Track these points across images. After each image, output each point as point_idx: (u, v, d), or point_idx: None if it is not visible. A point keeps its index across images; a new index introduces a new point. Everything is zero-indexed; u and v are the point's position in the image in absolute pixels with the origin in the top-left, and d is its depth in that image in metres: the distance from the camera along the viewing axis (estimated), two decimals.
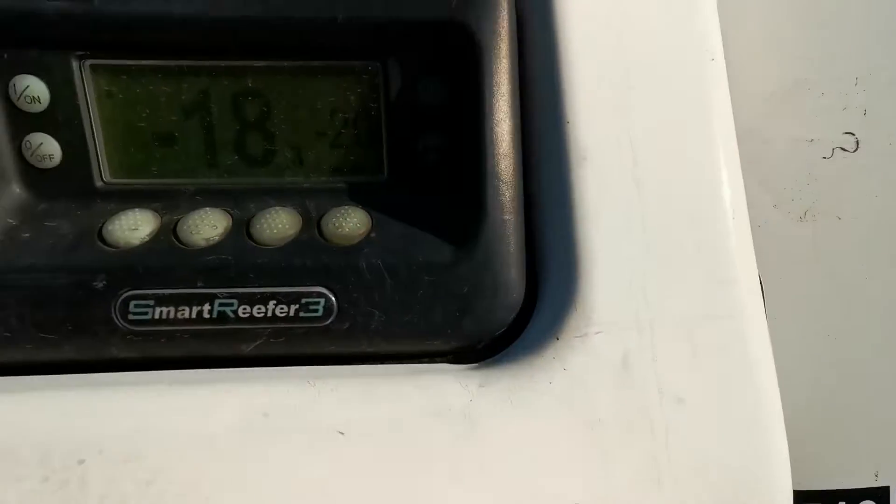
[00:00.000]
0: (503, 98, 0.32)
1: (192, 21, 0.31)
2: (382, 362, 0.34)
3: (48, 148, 0.33)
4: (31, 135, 0.33)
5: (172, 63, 0.33)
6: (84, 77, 0.33)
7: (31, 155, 0.33)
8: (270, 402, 0.29)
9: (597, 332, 0.32)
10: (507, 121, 0.32)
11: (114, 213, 0.33)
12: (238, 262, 0.31)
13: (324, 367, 0.32)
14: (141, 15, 0.30)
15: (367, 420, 0.30)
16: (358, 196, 0.36)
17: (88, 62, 0.33)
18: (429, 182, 0.35)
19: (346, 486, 0.29)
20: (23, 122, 0.33)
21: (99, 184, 0.34)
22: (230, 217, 0.33)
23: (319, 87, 0.34)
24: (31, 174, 0.34)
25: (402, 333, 0.32)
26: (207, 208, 0.34)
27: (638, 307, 0.32)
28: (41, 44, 0.32)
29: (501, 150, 0.32)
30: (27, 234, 0.32)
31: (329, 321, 0.31)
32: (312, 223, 0.33)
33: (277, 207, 0.34)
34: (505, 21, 0.32)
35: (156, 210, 0.34)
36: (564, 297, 0.32)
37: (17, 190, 0.33)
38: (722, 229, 0.34)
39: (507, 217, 0.32)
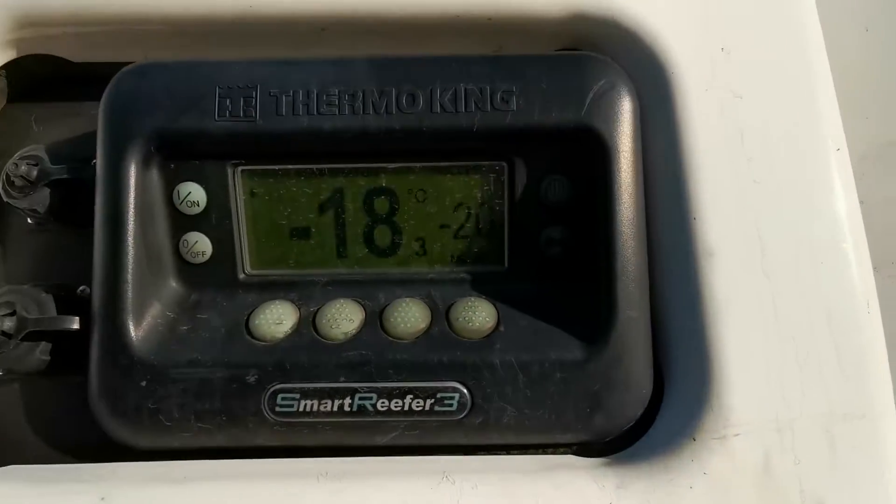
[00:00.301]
0: (631, 196, 0.33)
1: (340, 132, 0.33)
2: (509, 452, 0.34)
3: (201, 245, 0.36)
4: (188, 234, 0.36)
5: (314, 166, 0.36)
6: (236, 181, 0.36)
7: (187, 252, 0.36)
8: (416, 499, 0.30)
9: (735, 434, 0.31)
10: (635, 218, 0.33)
11: (255, 303, 0.36)
12: (376, 357, 0.33)
13: (456, 458, 0.33)
14: (297, 129, 0.33)
15: None
16: (479, 285, 0.37)
17: (241, 168, 0.36)
18: (549, 273, 0.36)
19: None
20: (182, 224, 0.36)
21: (241, 276, 0.37)
22: (363, 309, 0.35)
23: (446, 185, 0.36)
24: (184, 269, 0.37)
25: (533, 428, 0.32)
26: (341, 299, 0.36)
27: (777, 407, 0.31)
28: (204, 155, 0.35)
29: (630, 247, 0.33)
30: (185, 328, 0.35)
31: (463, 415, 0.32)
32: (441, 315, 0.35)
33: (407, 299, 0.36)
34: (631, 124, 0.33)
35: (293, 301, 0.36)
36: (699, 395, 0.32)
37: (173, 284, 0.36)
38: (856, 322, 0.33)
39: (635, 314, 0.33)
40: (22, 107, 0.42)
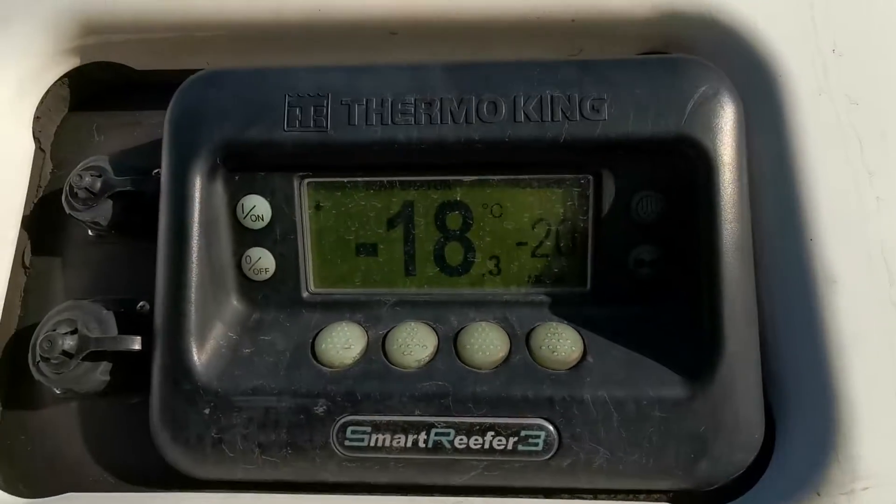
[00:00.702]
0: (737, 214, 0.29)
1: (415, 143, 0.31)
2: (596, 497, 0.31)
3: (265, 262, 0.34)
4: (250, 249, 0.34)
5: (384, 178, 0.34)
6: (302, 194, 0.34)
7: (250, 268, 0.34)
8: None
9: (864, 488, 0.27)
10: (742, 239, 0.30)
11: (320, 324, 0.34)
12: (454, 388, 0.30)
13: (539, 503, 0.30)
14: (369, 140, 0.31)
15: None
16: (559, 308, 0.34)
17: (307, 180, 0.34)
18: (637, 296, 0.33)
19: None
20: (245, 239, 0.34)
21: (305, 294, 0.35)
22: (435, 333, 0.33)
23: (525, 199, 0.33)
24: (245, 287, 0.35)
25: (628, 472, 0.29)
26: (412, 322, 0.33)
27: None
28: (271, 167, 0.33)
29: (736, 271, 0.29)
30: (248, 350, 0.33)
31: (549, 456, 0.29)
32: (520, 342, 0.32)
33: (482, 323, 0.33)
34: (737, 135, 0.30)
35: (360, 323, 0.34)
36: (822, 442, 0.28)
37: (234, 303, 0.35)
38: None
39: (743, 346, 0.29)
40: (83, 115, 0.41)
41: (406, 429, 0.30)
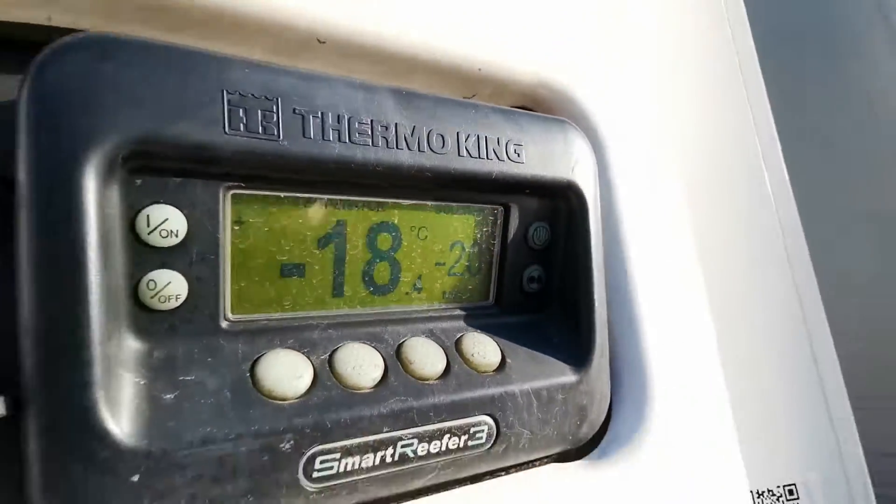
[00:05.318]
0: (599, 243, 0.41)
1: (372, 164, 0.31)
2: (507, 473, 0.38)
3: (175, 287, 0.28)
4: (155, 272, 0.28)
5: (325, 196, 0.32)
6: (224, 207, 0.30)
7: (154, 296, 0.28)
8: None
9: (657, 430, 0.42)
10: (601, 262, 0.41)
11: (248, 355, 0.30)
12: (416, 401, 0.32)
13: (481, 485, 0.35)
14: (327, 156, 0.30)
15: None
16: (471, 320, 0.39)
17: (232, 192, 0.30)
18: (527, 306, 0.41)
19: None
20: (147, 260, 0.28)
21: (224, 323, 0.30)
22: (379, 352, 0.33)
23: (447, 224, 0.37)
24: (142, 319, 0.28)
25: (542, 445, 0.37)
26: (354, 344, 0.33)
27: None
28: (193, 173, 0.28)
29: (601, 283, 0.40)
30: (170, 396, 0.27)
31: (490, 445, 0.34)
32: (453, 352, 0.36)
33: (421, 338, 0.35)
34: (597, 183, 0.41)
35: (295, 349, 0.32)
36: (639, 405, 0.41)
37: (128, 340, 0.27)
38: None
39: (604, 343, 0.40)
40: None
41: (376, 447, 0.30)
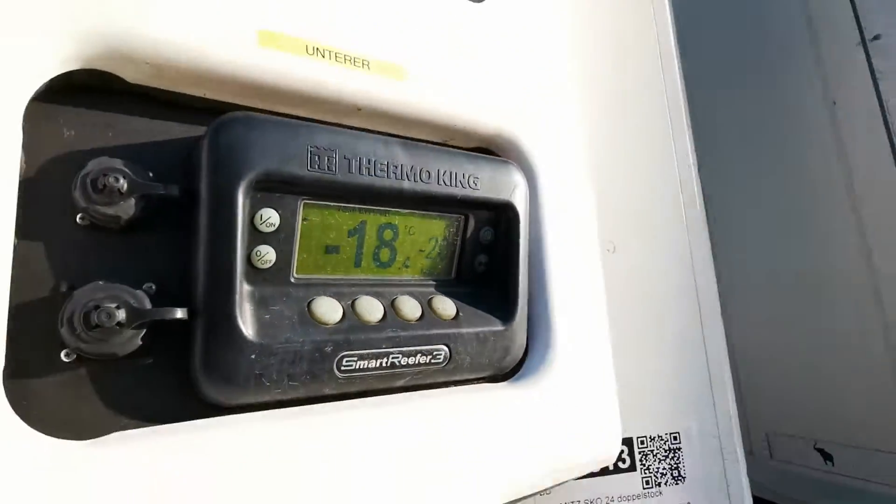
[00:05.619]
0: (526, 242, 0.62)
1: (386, 189, 0.52)
2: (465, 384, 0.60)
3: (270, 256, 0.49)
4: (260, 246, 0.49)
5: (355, 206, 0.53)
6: (298, 210, 0.50)
7: (259, 260, 0.49)
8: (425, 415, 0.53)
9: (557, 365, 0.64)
10: (526, 253, 0.63)
11: (306, 298, 0.51)
12: (404, 333, 0.53)
13: (437, 391, 0.57)
14: (360, 184, 0.51)
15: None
16: (440, 287, 0.61)
17: (304, 201, 0.50)
18: (476, 281, 0.63)
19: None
20: (257, 239, 0.48)
21: (292, 279, 0.51)
22: (381, 303, 0.55)
23: (430, 226, 0.59)
24: (252, 273, 0.49)
25: (479, 368, 0.59)
26: (365, 296, 0.54)
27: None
28: (286, 191, 0.49)
29: (523, 270, 0.62)
30: (267, 316, 0.48)
31: (445, 364, 0.56)
32: (426, 306, 0.57)
33: (403, 296, 0.57)
34: (527, 204, 0.63)
35: (332, 296, 0.53)
36: (545, 344, 0.64)
37: (246, 285, 0.48)
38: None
39: (524, 306, 0.62)
40: (51, 108, 0.44)
41: (377, 357, 0.52)
